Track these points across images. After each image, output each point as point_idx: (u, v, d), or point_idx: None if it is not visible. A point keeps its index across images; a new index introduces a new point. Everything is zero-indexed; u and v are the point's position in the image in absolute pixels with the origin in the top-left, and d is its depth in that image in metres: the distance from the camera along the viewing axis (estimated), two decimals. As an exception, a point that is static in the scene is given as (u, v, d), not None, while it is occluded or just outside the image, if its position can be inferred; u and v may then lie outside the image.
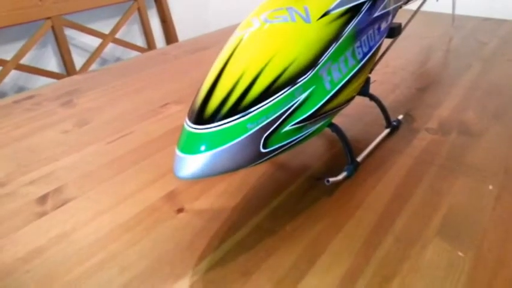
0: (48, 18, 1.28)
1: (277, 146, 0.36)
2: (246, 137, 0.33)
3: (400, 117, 0.60)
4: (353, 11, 0.41)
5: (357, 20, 0.41)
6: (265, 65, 0.35)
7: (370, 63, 0.46)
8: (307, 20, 0.37)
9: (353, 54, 0.42)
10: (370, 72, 0.52)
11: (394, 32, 0.53)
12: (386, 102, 0.59)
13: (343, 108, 0.45)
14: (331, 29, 0.38)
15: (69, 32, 1.39)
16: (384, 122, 0.58)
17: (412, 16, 0.64)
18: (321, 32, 0.38)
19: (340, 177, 0.45)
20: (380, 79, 0.76)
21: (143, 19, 1.56)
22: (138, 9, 1.54)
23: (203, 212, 0.43)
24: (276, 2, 0.39)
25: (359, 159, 0.49)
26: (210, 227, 0.41)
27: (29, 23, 1.24)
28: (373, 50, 0.45)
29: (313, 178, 0.48)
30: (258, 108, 0.33)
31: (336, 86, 0.40)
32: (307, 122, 0.38)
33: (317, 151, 0.53)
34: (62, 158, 0.54)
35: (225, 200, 0.45)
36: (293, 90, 0.35)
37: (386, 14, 0.48)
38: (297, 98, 0.36)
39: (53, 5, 1.28)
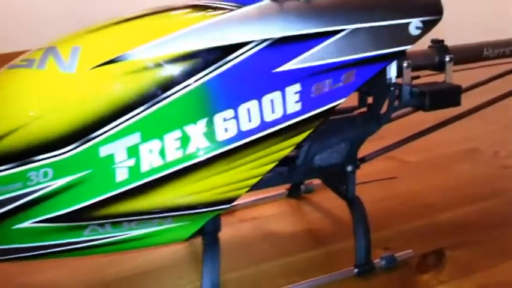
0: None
1: (11, 247, 0.29)
2: None
3: (402, 253, 0.36)
4: (205, 58, 0.28)
5: (218, 74, 0.27)
6: None
7: (270, 146, 0.29)
8: (66, 67, 0.27)
9: (209, 132, 0.28)
10: (358, 164, 0.36)
11: (436, 100, 0.35)
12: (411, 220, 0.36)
13: (194, 211, 0.30)
14: (130, 84, 0.27)
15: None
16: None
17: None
18: (100, 87, 0.27)
19: None
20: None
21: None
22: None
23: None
24: (55, 40, 0.30)
25: None
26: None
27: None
28: (276, 127, 0.29)
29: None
30: None
31: (144, 178, 0.28)
32: (86, 222, 0.29)
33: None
34: None
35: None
36: (24, 171, 0.27)
37: (333, 67, 0.31)
38: (38, 183, 0.27)
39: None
